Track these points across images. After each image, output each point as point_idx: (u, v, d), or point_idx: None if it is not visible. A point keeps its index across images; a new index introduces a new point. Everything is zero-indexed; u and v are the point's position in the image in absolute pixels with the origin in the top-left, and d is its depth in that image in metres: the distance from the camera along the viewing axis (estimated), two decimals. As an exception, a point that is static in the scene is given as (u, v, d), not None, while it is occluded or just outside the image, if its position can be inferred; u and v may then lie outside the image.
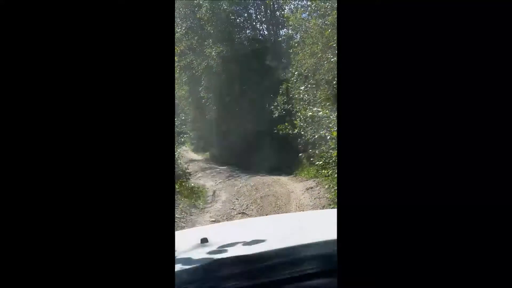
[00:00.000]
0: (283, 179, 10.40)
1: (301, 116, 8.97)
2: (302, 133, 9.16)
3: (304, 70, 9.18)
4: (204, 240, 1.54)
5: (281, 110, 11.15)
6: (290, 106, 10.65)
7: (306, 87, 8.89)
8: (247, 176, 11.82)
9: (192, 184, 10.08)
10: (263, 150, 12.57)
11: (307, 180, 9.22)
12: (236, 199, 9.02)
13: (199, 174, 12.98)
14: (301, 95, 9.50)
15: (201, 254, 1.39)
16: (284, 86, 10.76)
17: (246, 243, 1.56)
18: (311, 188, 8.26)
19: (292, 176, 10.52)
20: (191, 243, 1.59)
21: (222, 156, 15.42)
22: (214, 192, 10.23)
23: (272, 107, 11.69)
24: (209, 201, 9.16)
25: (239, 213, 7.53)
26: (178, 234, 2.44)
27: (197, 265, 1.15)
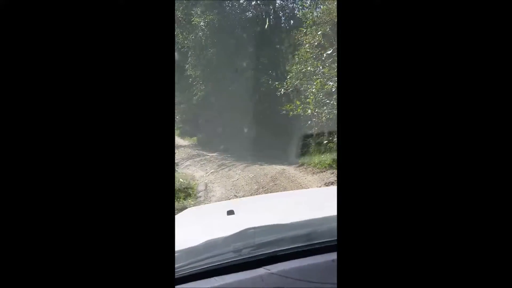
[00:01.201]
0: (289, 169, 8.68)
1: (316, 93, 7.18)
2: (315, 113, 7.40)
3: (326, 31, 7.27)
4: (230, 212, 1.68)
5: (287, 87, 9.23)
6: (297, 82, 8.77)
7: (328, 55, 7.01)
8: (243, 165, 10.09)
9: (181, 180, 8.24)
10: (261, 134, 10.82)
11: (322, 172, 7.50)
12: (235, 195, 7.30)
13: (187, 163, 11.26)
14: (313, 68, 7.69)
15: (231, 224, 1.54)
16: (300, 52, 8.63)
17: (274, 214, 1.72)
18: (332, 183, 6.56)
19: (299, 166, 8.80)
20: (218, 215, 1.84)
21: (212, 141, 13.65)
22: (206, 185, 8.49)
23: (277, 83, 9.76)
24: (201, 199, 7.42)
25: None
26: (199, 209, 3.31)
27: (232, 233, 1.16)
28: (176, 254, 0.91)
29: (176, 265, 0.94)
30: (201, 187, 8.35)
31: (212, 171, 10.02)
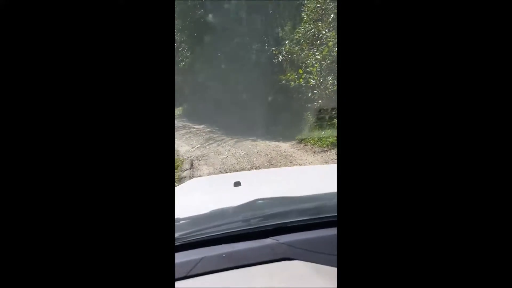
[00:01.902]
0: (284, 146, 7.80)
1: (322, 60, 6.16)
2: (321, 83, 6.41)
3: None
4: (237, 184, 1.70)
5: (286, 53, 8.14)
6: (298, 47, 7.69)
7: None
8: (233, 140, 9.18)
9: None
10: (253, 106, 9.86)
11: (324, 152, 6.62)
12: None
13: (171, 136, 10.25)
14: (317, 32, 6.64)
15: (238, 195, 1.55)
16: (309, 9, 7.35)
17: (281, 188, 1.76)
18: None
19: (295, 142, 7.91)
20: (224, 186, 1.91)
21: (198, 112, 12.65)
22: (192, 163, 7.58)
23: (274, 49, 8.67)
24: (186, 179, 6.51)
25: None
26: (204, 179, 3.26)
27: (241, 203, 1.18)
28: (184, 221, 1.09)
29: (185, 231, 1.03)
30: (186, 165, 7.43)
31: (198, 145, 9.11)
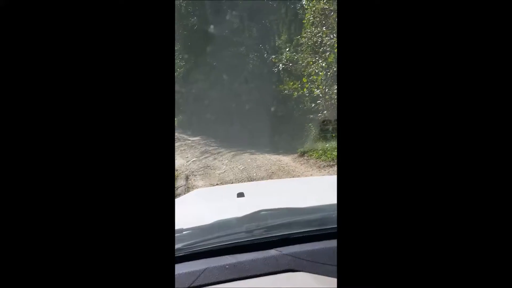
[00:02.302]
0: (286, 160, 7.33)
1: (326, 68, 5.72)
2: (325, 92, 5.97)
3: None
4: (240, 195, 1.69)
5: (286, 61, 7.70)
6: (299, 55, 7.23)
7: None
8: (231, 153, 8.71)
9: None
10: (251, 117, 9.41)
11: (330, 166, 6.15)
12: (223, 194, 5.91)
13: (165, 149, 9.78)
14: (320, 38, 6.20)
15: (242, 206, 1.54)
16: (317, 7, 6.78)
17: (284, 199, 1.73)
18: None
19: (297, 155, 7.45)
20: (228, 197, 1.86)
21: (194, 123, 12.21)
22: (187, 178, 7.09)
23: (273, 57, 8.23)
24: (180, 195, 6.02)
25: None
26: (208, 190, 3.30)
27: (245, 214, 1.18)
28: (188, 232, 1.08)
29: (188, 242, 1.02)
30: (181, 181, 6.95)
31: (194, 159, 8.63)
